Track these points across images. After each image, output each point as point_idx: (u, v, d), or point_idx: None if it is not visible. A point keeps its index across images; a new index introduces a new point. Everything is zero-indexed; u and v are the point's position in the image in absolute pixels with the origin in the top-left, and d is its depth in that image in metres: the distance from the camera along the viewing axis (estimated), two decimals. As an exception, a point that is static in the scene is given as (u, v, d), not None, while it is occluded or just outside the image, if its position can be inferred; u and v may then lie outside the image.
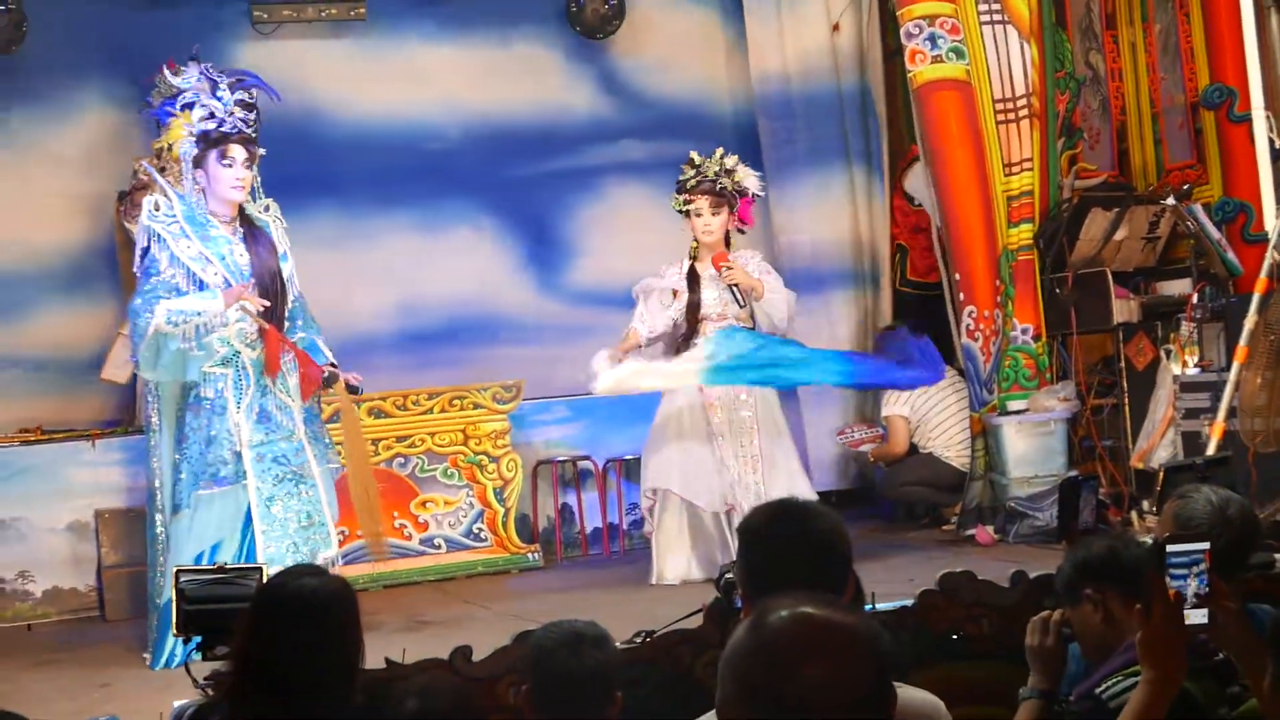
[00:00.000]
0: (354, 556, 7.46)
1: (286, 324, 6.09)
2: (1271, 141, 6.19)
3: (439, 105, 8.91)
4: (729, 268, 6.87)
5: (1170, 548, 2.74)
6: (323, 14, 8.38)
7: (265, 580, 3.58)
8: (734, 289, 6.93)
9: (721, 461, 6.86)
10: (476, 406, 7.77)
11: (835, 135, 8.79)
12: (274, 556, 5.77)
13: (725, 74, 9.25)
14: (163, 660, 5.85)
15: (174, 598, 3.79)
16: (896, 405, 8.15)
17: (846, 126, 8.80)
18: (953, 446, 8.01)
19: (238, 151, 5.96)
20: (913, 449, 8.19)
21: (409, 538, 7.62)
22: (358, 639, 3.12)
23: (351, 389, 6.20)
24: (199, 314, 5.79)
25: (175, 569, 3.85)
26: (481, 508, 7.73)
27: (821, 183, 8.78)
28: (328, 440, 6.31)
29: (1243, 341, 5.87)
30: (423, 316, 8.78)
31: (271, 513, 5.91)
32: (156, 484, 6.13)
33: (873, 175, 8.86)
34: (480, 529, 7.73)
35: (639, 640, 4.21)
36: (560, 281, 9.12)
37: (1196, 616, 2.74)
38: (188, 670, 3.76)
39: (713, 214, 6.96)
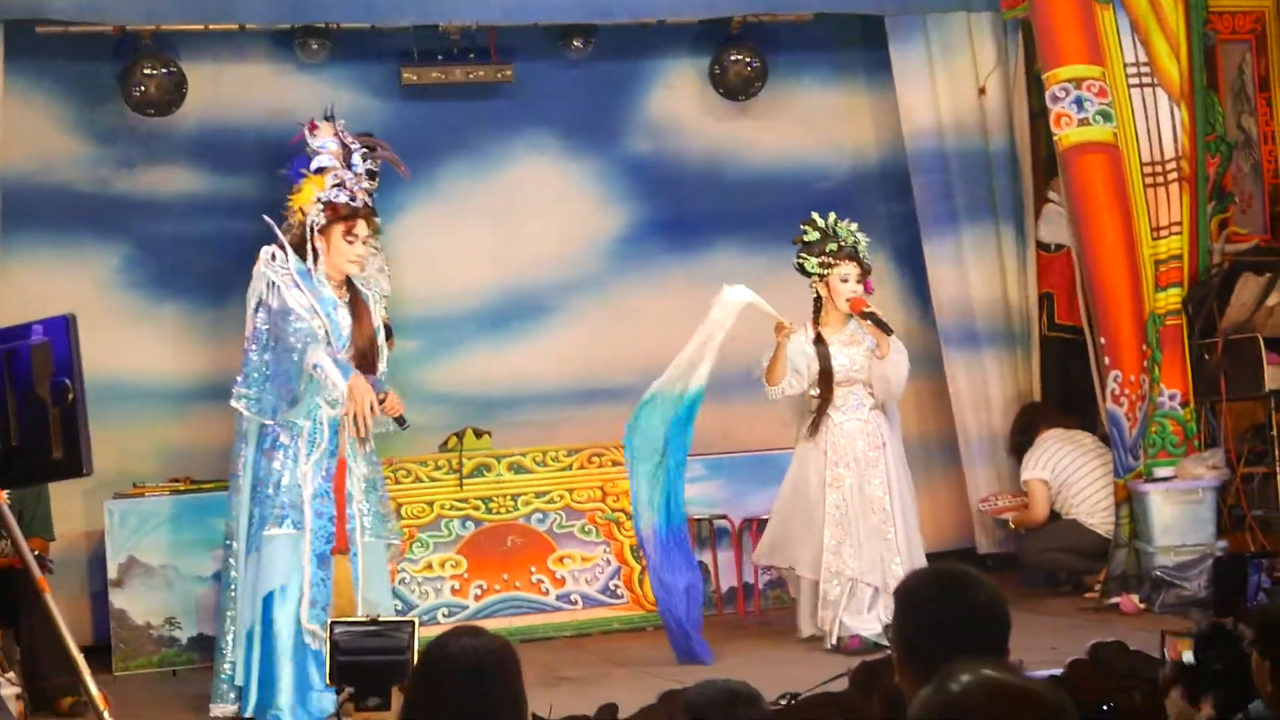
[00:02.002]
0: (491, 610, 7.56)
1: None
2: None
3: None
4: (868, 310, 6.87)
5: None
6: (470, 76, 8.51)
7: (417, 636, 3.62)
8: (863, 350, 6.91)
9: (846, 533, 6.80)
10: (615, 464, 7.80)
11: (984, 194, 8.73)
12: (314, 615, 5.83)
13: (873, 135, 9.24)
14: (250, 709, 5.91)
15: (328, 648, 3.85)
16: (1037, 469, 8.03)
17: (995, 185, 8.73)
18: (1096, 513, 7.87)
19: (362, 228, 6.08)
20: (1054, 515, 8.06)
21: (546, 593, 7.67)
22: (520, 696, 3.15)
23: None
24: (328, 377, 5.90)
25: (330, 620, 3.92)
26: (618, 565, 7.75)
27: (975, 241, 8.71)
28: (390, 512, 6.36)
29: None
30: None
31: (320, 571, 5.95)
32: (235, 528, 6.18)
33: (1021, 239, 8.76)
34: (616, 585, 7.75)
35: (784, 702, 4.20)
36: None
37: None
38: (338, 720, 3.82)
39: (858, 281, 6.97)
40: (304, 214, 6.03)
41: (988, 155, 8.69)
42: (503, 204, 8.79)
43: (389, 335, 7.99)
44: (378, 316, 6.29)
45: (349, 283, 6.17)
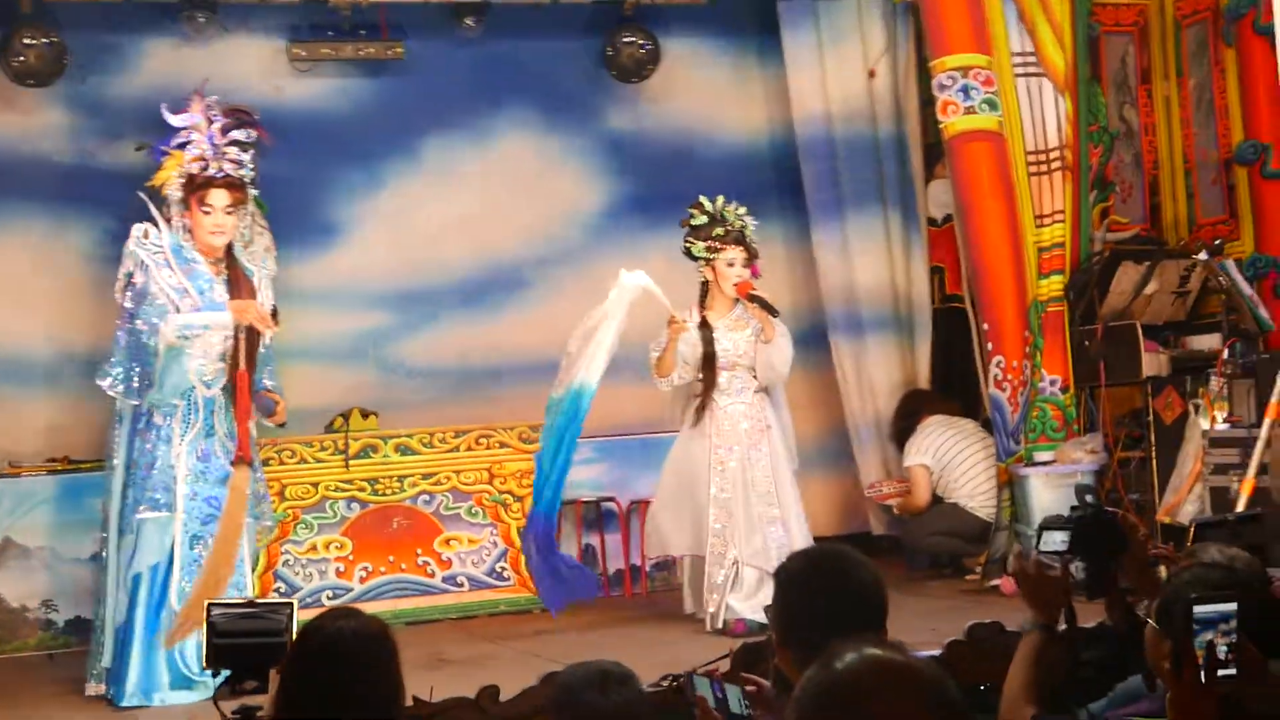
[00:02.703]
0: (377, 593, 7.50)
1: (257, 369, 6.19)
2: (1305, 198, 6.19)
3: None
4: (755, 292, 6.89)
5: (1198, 609, 2.73)
6: (360, 53, 8.41)
7: (296, 618, 3.57)
8: (749, 334, 6.93)
9: (730, 516, 6.83)
10: (502, 445, 7.78)
11: (873, 179, 8.79)
12: (183, 594, 5.78)
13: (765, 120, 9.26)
14: (127, 696, 5.86)
15: (204, 630, 3.78)
16: (919, 455, 8.13)
17: (884, 171, 8.80)
18: (976, 496, 7.98)
19: (218, 198, 6.07)
20: (936, 499, 8.16)
21: (432, 575, 7.63)
22: (396, 680, 3.13)
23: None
24: (206, 327, 5.88)
25: (207, 602, 3.84)
26: (505, 547, 7.73)
27: (861, 228, 8.77)
28: (264, 493, 6.41)
29: (1274, 399, 5.85)
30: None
31: (193, 552, 5.93)
32: (110, 510, 6.12)
33: (909, 224, 8.85)
34: (503, 568, 7.73)
35: (665, 684, 4.20)
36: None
37: (1225, 679, 2.73)
38: (216, 705, 3.74)
39: (745, 265, 6.99)
40: (165, 192, 6.01)
41: (877, 141, 8.77)
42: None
43: (274, 316, 7.93)
44: (263, 294, 6.22)
45: (230, 258, 6.12)
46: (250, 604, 3.86)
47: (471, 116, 8.82)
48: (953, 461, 8.07)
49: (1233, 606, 2.76)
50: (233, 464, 6.03)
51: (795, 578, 3.05)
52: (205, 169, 6.08)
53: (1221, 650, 2.74)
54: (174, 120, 6.13)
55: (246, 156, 6.20)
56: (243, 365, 6.05)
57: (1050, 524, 3.72)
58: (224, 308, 5.97)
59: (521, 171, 8.84)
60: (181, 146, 6.07)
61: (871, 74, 8.69)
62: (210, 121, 6.14)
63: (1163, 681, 3.00)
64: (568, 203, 8.95)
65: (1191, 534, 4.44)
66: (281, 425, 6.40)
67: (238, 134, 6.19)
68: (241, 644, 3.68)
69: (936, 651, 4.78)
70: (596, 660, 3.15)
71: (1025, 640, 3.44)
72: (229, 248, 6.20)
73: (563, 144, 8.97)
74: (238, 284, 6.10)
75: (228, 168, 6.11)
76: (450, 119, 8.78)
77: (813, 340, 8.83)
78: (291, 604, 3.84)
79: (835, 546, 3.27)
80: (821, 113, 8.74)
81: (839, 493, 8.98)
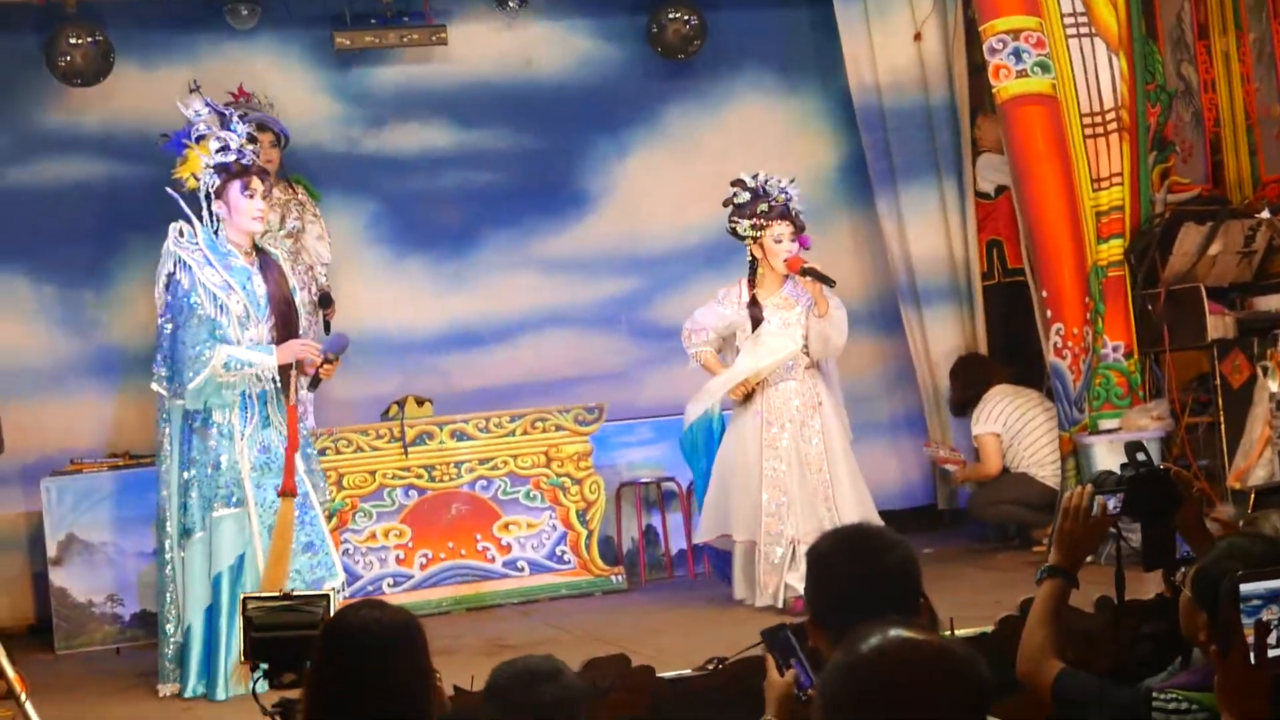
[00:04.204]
0: (437, 579, 7.51)
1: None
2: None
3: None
4: (808, 266, 6.81)
5: (1245, 586, 2.63)
6: (404, 39, 8.40)
7: (331, 610, 3.56)
8: (799, 311, 6.86)
9: (784, 494, 6.76)
10: (559, 429, 7.75)
11: (926, 148, 8.68)
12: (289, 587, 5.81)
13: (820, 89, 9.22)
14: (189, 689, 5.92)
15: (241, 624, 3.78)
16: (989, 424, 8.03)
17: (936, 139, 8.68)
18: (1045, 465, 7.87)
19: (257, 184, 6.08)
20: (1004, 469, 8.05)
21: (492, 560, 7.62)
22: (426, 668, 3.11)
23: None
24: (252, 365, 5.91)
25: (243, 596, 3.84)
26: (564, 530, 7.70)
27: (915, 197, 8.68)
28: (322, 474, 6.47)
29: (1339, 358, 5.69)
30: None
31: (270, 542, 5.94)
32: (166, 510, 6.14)
33: (963, 191, 8.73)
34: (563, 551, 7.70)
35: (711, 667, 4.16)
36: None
37: (1277, 655, 2.63)
38: (255, 698, 3.74)
39: (792, 240, 6.90)
40: (196, 181, 6.01)
41: (929, 109, 8.64)
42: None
43: (329, 304, 7.98)
44: (292, 276, 6.25)
45: (256, 247, 6.15)
46: (286, 597, 3.86)
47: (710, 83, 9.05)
48: (1021, 430, 7.97)
49: None
50: (280, 494, 6.04)
51: (825, 558, 3.00)
52: (242, 156, 6.08)
53: (1274, 631, 2.64)
54: (186, 113, 6.13)
55: (257, 148, 6.27)
56: (292, 400, 6.08)
57: (1102, 485, 3.61)
58: (272, 351, 5.98)
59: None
60: (200, 139, 6.07)
61: (917, 37, 8.55)
62: (220, 113, 6.14)
63: (1201, 654, 2.92)
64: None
65: (1252, 502, 4.31)
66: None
67: (249, 128, 6.21)
68: (278, 638, 3.68)
69: (990, 628, 4.69)
70: (523, 658, 3.13)
71: (1042, 589, 3.36)
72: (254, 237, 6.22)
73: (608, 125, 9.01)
74: (268, 271, 6.13)
75: (253, 156, 6.14)
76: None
77: (883, 310, 8.87)
78: (328, 595, 3.84)
79: (866, 526, 3.21)
80: (872, 82, 8.64)
81: (912, 466, 8.94)
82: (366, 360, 8.26)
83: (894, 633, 1.96)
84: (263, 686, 3.68)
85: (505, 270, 8.81)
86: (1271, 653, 2.62)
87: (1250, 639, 2.61)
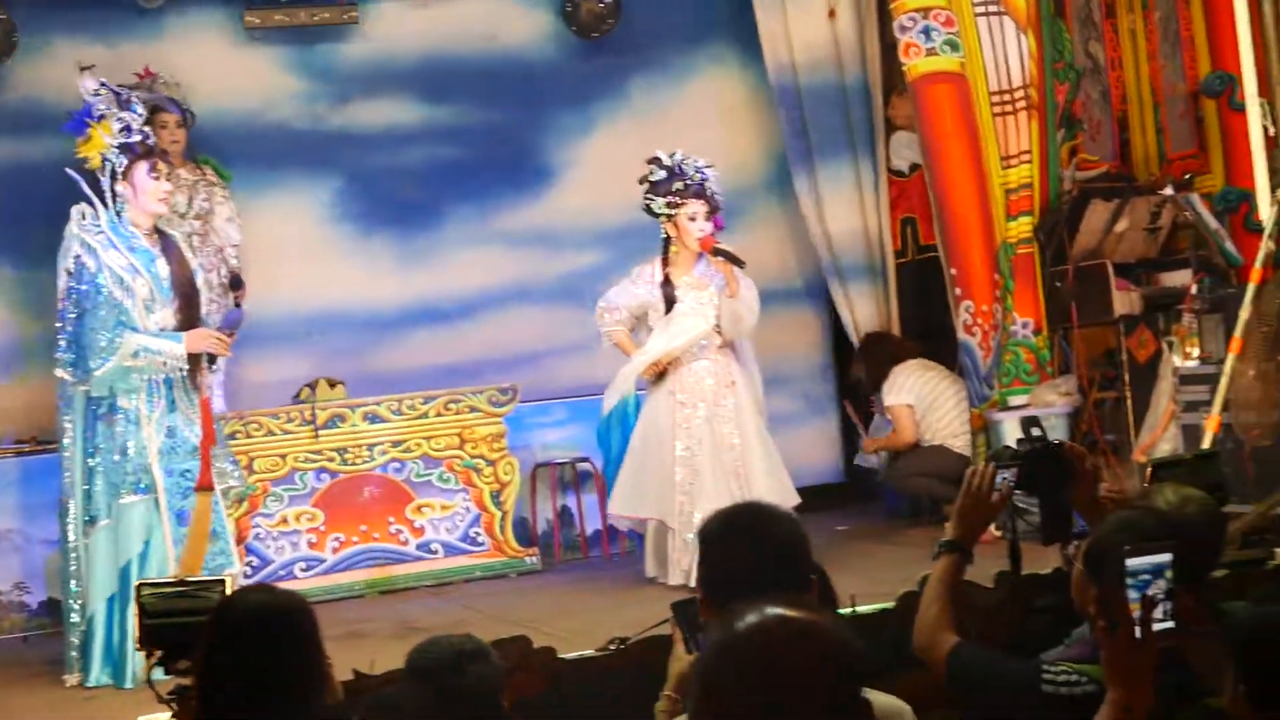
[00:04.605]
0: (350, 563, 7.46)
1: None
2: (1266, 129, 6.07)
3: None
4: (719, 246, 6.82)
5: (1131, 560, 2.64)
6: (314, 18, 8.32)
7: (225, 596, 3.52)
8: (711, 291, 6.87)
9: (696, 473, 6.77)
10: (473, 410, 7.71)
11: (841, 126, 8.68)
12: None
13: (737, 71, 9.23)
14: (92, 678, 5.85)
15: (136, 611, 3.73)
16: (900, 395, 8.03)
17: (851, 117, 8.69)
18: (959, 436, 7.90)
19: (163, 165, 6.06)
20: (918, 442, 8.10)
21: (405, 543, 7.57)
22: (317, 653, 3.09)
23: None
24: (160, 354, 5.84)
25: (138, 583, 3.80)
26: (478, 512, 7.67)
27: (833, 176, 8.67)
28: (232, 458, 6.39)
29: (1237, 333, 5.76)
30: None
31: (181, 529, 5.89)
32: (69, 498, 6.04)
33: (877, 169, 8.75)
34: (477, 533, 7.67)
35: (613, 648, 4.16)
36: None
37: (1164, 629, 2.64)
38: (151, 685, 3.71)
39: (707, 220, 6.90)
40: (102, 160, 5.92)
41: (844, 87, 8.64)
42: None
43: (240, 286, 7.89)
44: (192, 258, 6.25)
45: (156, 229, 6.08)
46: (182, 583, 3.82)
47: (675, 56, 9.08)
48: (933, 403, 8.00)
49: (1167, 557, 2.67)
50: (196, 490, 5.97)
51: (713, 536, 3.01)
52: (146, 138, 6.01)
53: (1160, 605, 2.65)
54: (85, 93, 6.04)
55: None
56: (205, 392, 6.02)
57: (998, 460, 3.64)
58: (180, 339, 5.91)
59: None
60: (100, 119, 5.97)
61: (831, 14, 8.54)
62: (116, 93, 6.05)
63: (1091, 630, 2.94)
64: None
65: (1149, 474, 4.35)
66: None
67: (141, 108, 6.14)
68: (173, 624, 3.64)
69: (891, 604, 4.71)
70: (447, 636, 3.11)
71: (938, 565, 3.39)
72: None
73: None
74: (169, 252, 6.06)
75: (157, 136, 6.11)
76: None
77: (807, 288, 9.03)
78: (224, 581, 3.80)
79: (755, 503, 3.22)
80: (788, 61, 8.62)
81: (832, 441, 9.05)
82: (326, 338, 8.30)
83: (770, 611, 1.95)
84: (159, 673, 3.65)
85: (469, 245, 8.76)
86: (1158, 626, 2.63)
87: (1136, 613, 2.62)
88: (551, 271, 8.85)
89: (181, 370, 5.98)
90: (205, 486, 5.98)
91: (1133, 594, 2.63)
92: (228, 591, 3.65)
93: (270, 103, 8.52)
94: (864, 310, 8.70)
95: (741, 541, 2.93)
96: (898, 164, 8.70)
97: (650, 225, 7.11)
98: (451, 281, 8.73)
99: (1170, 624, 2.65)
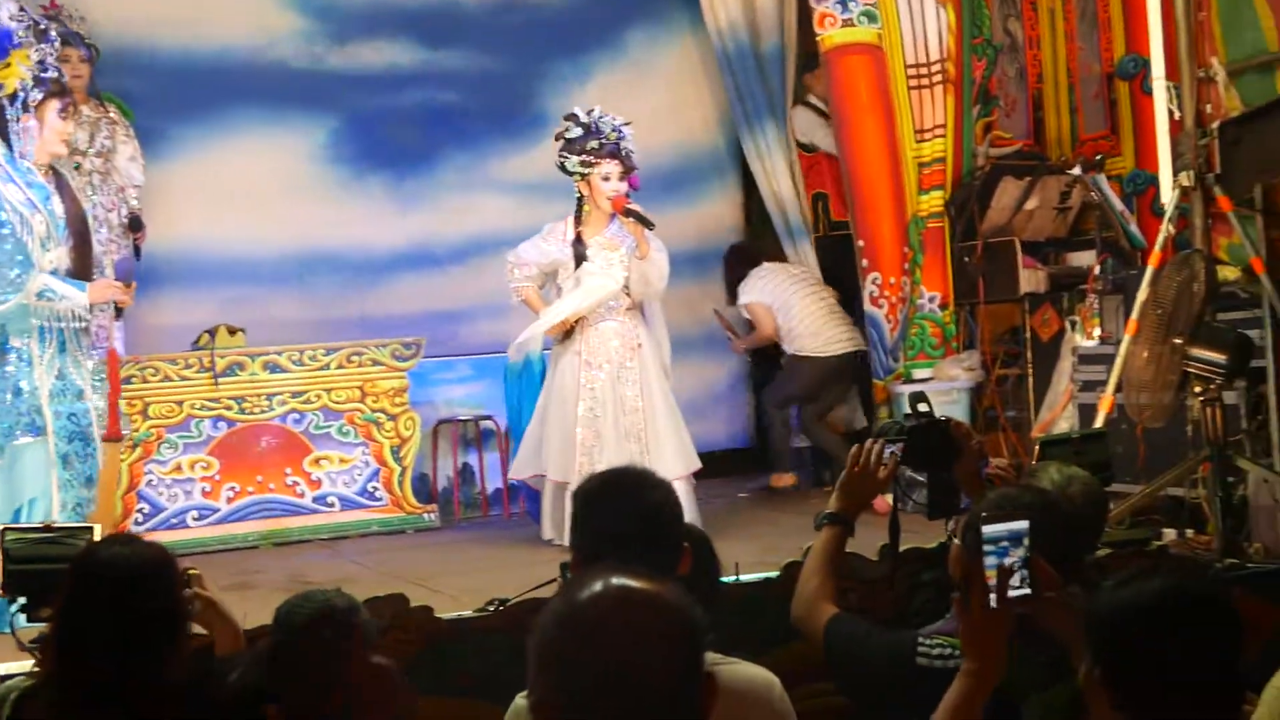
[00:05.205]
0: (244, 513, 7.37)
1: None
2: (1171, 113, 6.11)
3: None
4: (630, 207, 6.77)
5: (987, 529, 2.65)
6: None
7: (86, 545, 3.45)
8: (623, 252, 6.82)
9: (598, 435, 6.74)
10: (375, 364, 7.63)
11: (761, 94, 8.62)
12: (67, 518, 5.65)
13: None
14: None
15: (-1, 556, 3.65)
16: (755, 294, 7.99)
17: (770, 89, 8.63)
18: (821, 334, 7.83)
19: (72, 107, 5.90)
20: (780, 354, 8.06)
21: (301, 495, 7.47)
22: (177, 607, 3.04)
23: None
24: (66, 299, 5.71)
25: (2, 526, 3.71)
26: (377, 466, 7.59)
27: (765, 144, 8.59)
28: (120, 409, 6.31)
29: (1133, 315, 5.80)
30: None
31: (66, 472, 5.79)
32: None
33: (790, 144, 8.69)
34: (375, 488, 7.60)
35: (491, 609, 4.12)
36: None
37: (1018, 599, 2.65)
38: (13, 633, 3.63)
39: (621, 179, 6.84)
40: (18, 90, 5.76)
41: (761, 55, 8.57)
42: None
43: (140, 227, 7.75)
44: (82, 196, 6.08)
45: (51, 166, 5.95)
46: (48, 529, 3.74)
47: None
48: (789, 301, 7.91)
49: (1024, 525, 2.69)
50: (104, 440, 5.86)
51: (586, 497, 2.99)
52: (61, 76, 5.85)
53: (1017, 573, 2.66)
54: (9, 16, 5.86)
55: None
56: (111, 344, 5.90)
57: (885, 434, 3.64)
58: (84, 288, 5.78)
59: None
60: (18, 46, 5.81)
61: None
62: (35, 22, 5.89)
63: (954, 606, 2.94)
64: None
65: (1037, 452, 4.38)
66: None
67: (58, 41, 5.98)
68: (37, 570, 3.56)
69: (775, 574, 4.71)
70: (319, 591, 3.03)
71: (820, 536, 3.39)
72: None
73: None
74: (64, 191, 5.92)
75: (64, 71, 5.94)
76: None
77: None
78: (92, 529, 3.72)
79: (630, 468, 3.19)
80: (724, 25, 8.52)
81: (740, 406, 9.05)
82: (317, 279, 8.22)
83: (611, 580, 1.91)
84: (22, 620, 3.58)
85: (463, 191, 8.66)
86: (1013, 592, 2.64)
87: (992, 581, 2.63)
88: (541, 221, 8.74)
89: (84, 321, 5.86)
90: (114, 437, 5.88)
91: (990, 561, 2.64)
92: (96, 539, 3.58)
93: (274, 41, 8.39)
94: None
95: (612, 504, 2.91)
96: (801, 138, 8.61)
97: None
98: (444, 226, 8.63)
99: (1027, 591, 2.66)
